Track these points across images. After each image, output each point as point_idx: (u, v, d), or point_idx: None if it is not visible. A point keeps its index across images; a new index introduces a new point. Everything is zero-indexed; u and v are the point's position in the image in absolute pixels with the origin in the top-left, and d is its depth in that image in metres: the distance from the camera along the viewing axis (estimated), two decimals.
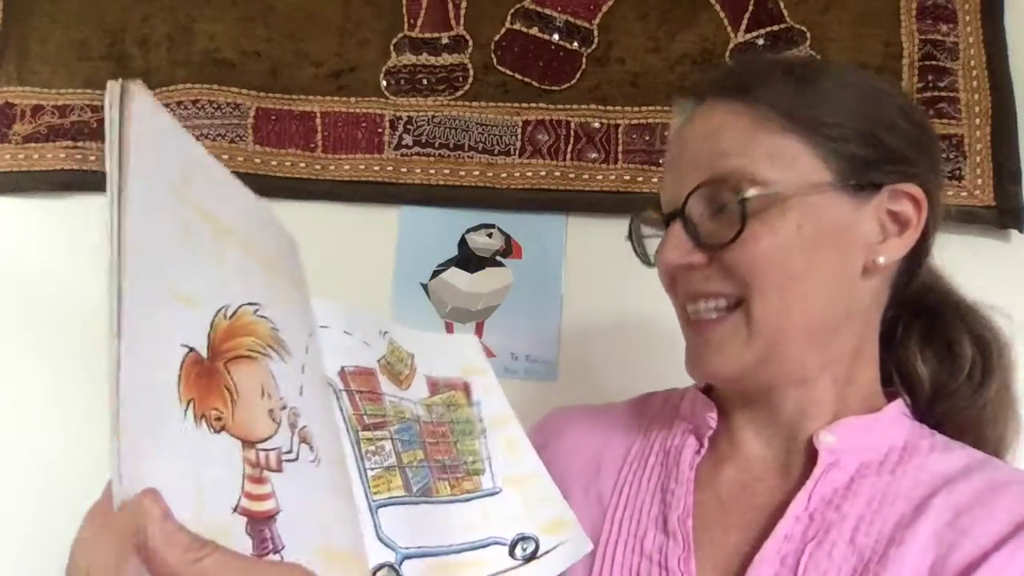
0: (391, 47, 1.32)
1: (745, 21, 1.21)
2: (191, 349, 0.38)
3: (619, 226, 1.32)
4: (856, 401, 0.61)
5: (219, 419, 0.38)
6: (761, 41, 1.21)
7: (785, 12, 1.21)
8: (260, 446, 0.41)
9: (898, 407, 0.62)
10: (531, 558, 0.69)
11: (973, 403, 0.62)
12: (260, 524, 0.38)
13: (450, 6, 1.30)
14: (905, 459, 0.58)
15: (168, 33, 1.35)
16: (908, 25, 1.19)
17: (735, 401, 0.66)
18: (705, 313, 0.60)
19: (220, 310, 0.41)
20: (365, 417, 0.63)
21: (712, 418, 0.66)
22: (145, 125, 0.38)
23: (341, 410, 0.61)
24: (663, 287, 0.65)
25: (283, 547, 0.39)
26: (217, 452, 0.37)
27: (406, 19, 1.31)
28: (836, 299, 0.58)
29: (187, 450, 0.35)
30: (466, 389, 0.75)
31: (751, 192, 0.55)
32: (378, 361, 0.66)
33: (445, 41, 1.31)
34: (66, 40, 1.37)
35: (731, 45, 1.22)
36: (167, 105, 1.35)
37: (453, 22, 1.32)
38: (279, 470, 0.41)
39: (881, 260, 0.58)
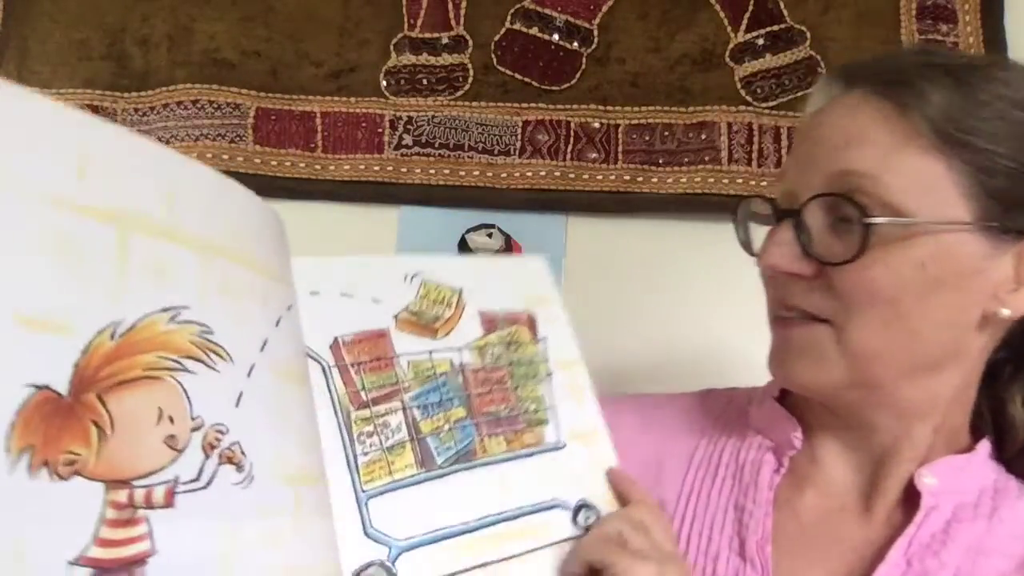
0: (391, 47, 1.31)
1: (745, 21, 1.21)
2: (40, 387, 0.33)
3: (619, 226, 1.28)
4: (944, 439, 0.59)
5: (71, 463, 0.34)
6: (761, 41, 1.20)
7: (785, 12, 1.21)
8: (140, 482, 0.37)
9: (986, 448, 0.59)
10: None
11: None
12: (116, 573, 0.35)
13: (450, 6, 1.30)
14: (998, 503, 0.56)
15: (168, 33, 1.35)
16: (908, 25, 1.19)
17: (822, 419, 0.62)
18: (797, 317, 0.57)
19: (105, 330, 0.36)
20: (363, 393, 0.61)
21: (798, 439, 0.62)
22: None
23: (330, 391, 0.60)
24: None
25: None
26: (58, 502, 0.34)
27: (406, 19, 1.30)
28: (945, 343, 0.54)
29: (6, 507, 0.32)
30: (531, 323, 0.70)
31: (879, 219, 0.51)
32: (395, 316, 0.64)
33: (445, 41, 1.31)
34: (66, 40, 1.37)
35: (731, 45, 1.22)
36: (167, 105, 1.35)
37: (453, 22, 1.31)
38: (167, 505, 0.37)
39: (1006, 313, 0.53)
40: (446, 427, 0.64)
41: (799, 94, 1.10)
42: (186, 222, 0.42)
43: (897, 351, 0.52)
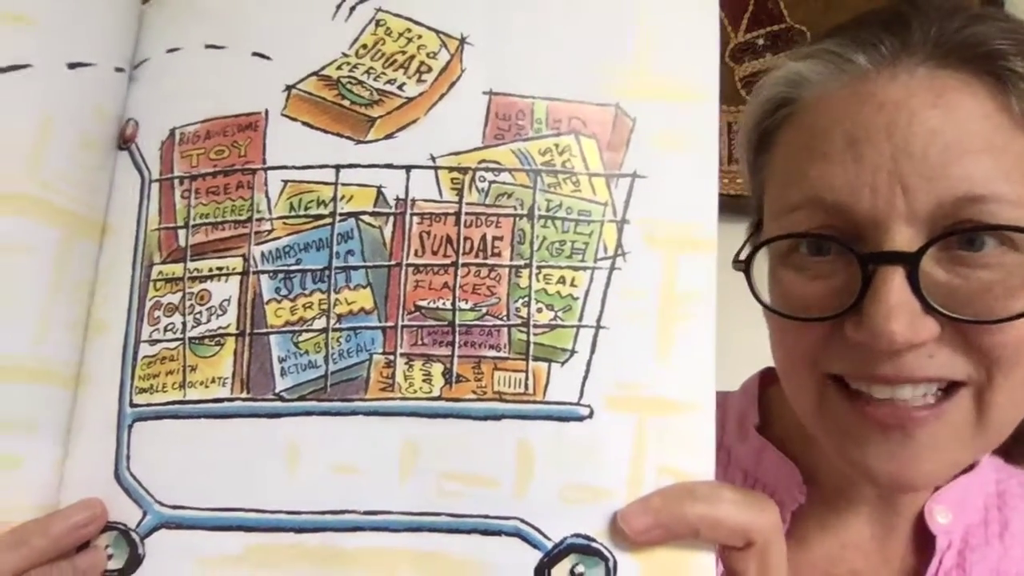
0: None
1: (745, 21, 1.20)
2: None
3: None
4: None
5: None
6: (761, 41, 1.19)
7: (785, 12, 1.19)
8: None
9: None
10: None
11: None
12: None
13: None
14: (1005, 515, 0.50)
15: None
16: None
17: (830, 466, 0.48)
18: (913, 400, 0.39)
19: None
20: (180, 232, 0.34)
21: (803, 495, 0.49)
22: None
23: (139, 223, 0.34)
24: (783, 348, 0.43)
25: None
26: None
27: None
28: None
29: None
30: (611, 136, 0.33)
31: None
32: (290, 88, 0.33)
33: None
34: None
35: (731, 45, 1.18)
36: None
37: None
38: None
39: None
40: (317, 321, 0.32)
41: None
42: None
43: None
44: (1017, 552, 0.49)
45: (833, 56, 0.41)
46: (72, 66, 0.32)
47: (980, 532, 0.50)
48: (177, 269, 0.33)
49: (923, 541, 0.49)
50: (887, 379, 0.38)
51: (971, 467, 0.49)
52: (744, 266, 0.41)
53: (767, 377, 0.53)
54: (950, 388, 0.39)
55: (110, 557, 0.32)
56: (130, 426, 0.33)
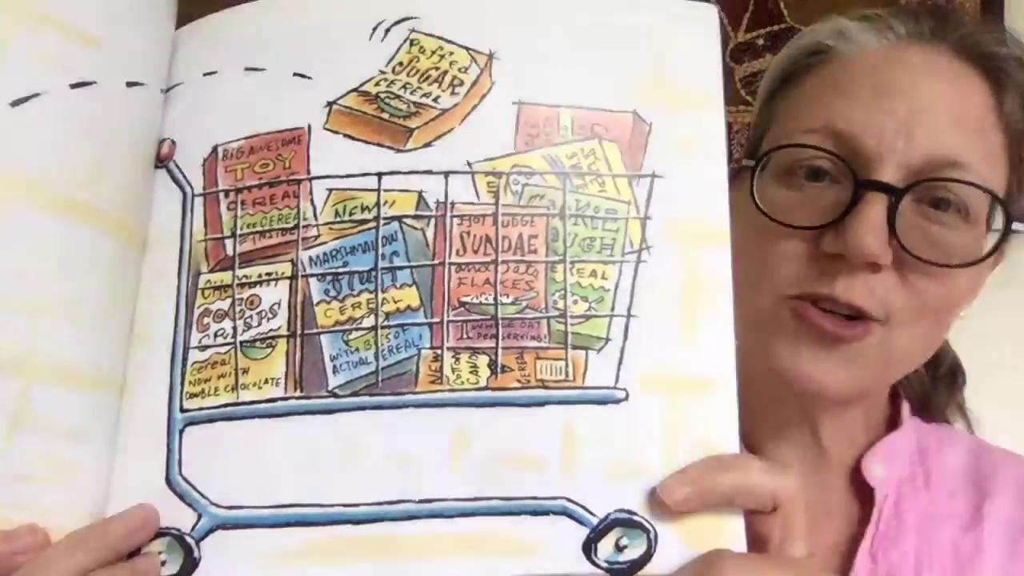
0: None
1: (745, 21, 1.21)
2: None
3: None
4: (867, 411, 0.54)
5: None
6: (761, 41, 1.20)
7: (785, 12, 1.20)
8: None
9: (907, 413, 0.57)
10: (626, 571, 0.32)
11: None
12: None
13: None
14: (927, 466, 0.56)
15: None
16: None
17: (765, 425, 0.52)
18: (845, 313, 0.45)
19: None
20: (227, 242, 0.35)
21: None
22: None
23: (183, 235, 0.35)
24: (757, 259, 0.47)
25: None
26: None
27: None
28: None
29: None
30: (632, 140, 0.36)
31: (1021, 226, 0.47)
32: (331, 104, 0.35)
33: None
34: None
35: (731, 45, 1.19)
36: None
37: None
38: None
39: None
40: (366, 320, 0.34)
41: None
42: None
43: (920, 359, 0.51)
44: (941, 494, 0.54)
45: (879, 20, 0.49)
46: (129, 85, 0.34)
47: (909, 484, 0.55)
48: (226, 277, 0.34)
49: (860, 494, 0.53)
50: (835, 300, 0.44)
51: (896, 425, 0.55)
52: (753, 165, 0.46)
53: None
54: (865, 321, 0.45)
55: (163, 563, 0.33)
56: (181, 431, 0.33)
